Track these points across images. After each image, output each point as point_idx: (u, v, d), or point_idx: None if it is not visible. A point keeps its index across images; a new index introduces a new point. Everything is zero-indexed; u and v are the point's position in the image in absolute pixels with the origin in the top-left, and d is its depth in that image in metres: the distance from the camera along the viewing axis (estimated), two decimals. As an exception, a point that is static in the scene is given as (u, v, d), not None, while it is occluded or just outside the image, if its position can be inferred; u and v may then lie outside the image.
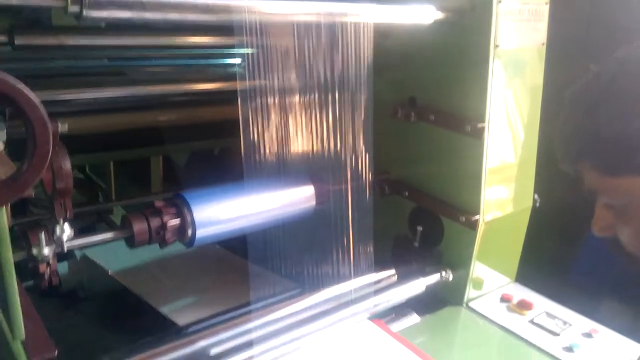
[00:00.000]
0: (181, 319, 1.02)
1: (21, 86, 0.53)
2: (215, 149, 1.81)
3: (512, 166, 1.14)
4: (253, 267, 0.99)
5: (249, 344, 0.92)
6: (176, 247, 1.34)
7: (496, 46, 1.01)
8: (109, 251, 1.27)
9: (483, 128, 1.03)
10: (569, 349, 1.03)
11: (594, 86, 0.58)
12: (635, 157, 0.54)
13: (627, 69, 0.56)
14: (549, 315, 1.13)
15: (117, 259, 1.22)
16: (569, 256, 1.48)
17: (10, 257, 0.61)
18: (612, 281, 1.38)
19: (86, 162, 1.18)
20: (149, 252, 1.27)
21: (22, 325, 0.65)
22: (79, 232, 0.83)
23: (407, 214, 1.22)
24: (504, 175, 1.13)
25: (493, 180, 1.10)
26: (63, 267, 1.21)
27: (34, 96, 0.54)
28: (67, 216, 0.82)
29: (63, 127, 0.81)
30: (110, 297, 1.22)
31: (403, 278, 1.13)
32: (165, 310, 1.05)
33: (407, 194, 1.21)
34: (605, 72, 0.57)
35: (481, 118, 1.04)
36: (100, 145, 1.17)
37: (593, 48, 1.59)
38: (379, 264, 1.13)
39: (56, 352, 0.68)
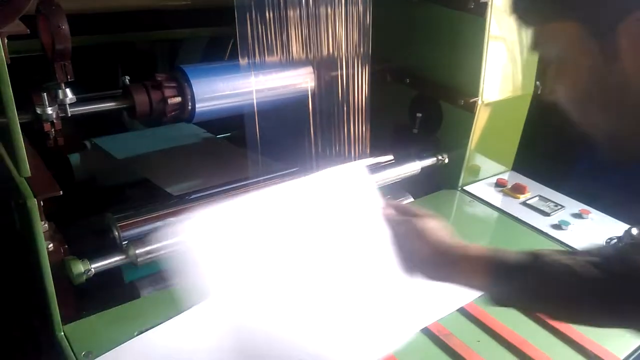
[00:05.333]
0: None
1: None
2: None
3: (514, 50, 1.12)
4: (252, 155, 1.02)
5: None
6: (180, 140, 1.39)
7: None
8: (117, 143, 1.33)
9: (486, 3, 1.01)
10: (558, 227, 1.06)
11: None
12: None
13: None
14: (542, 198, 1.15)
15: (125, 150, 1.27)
16: (570, 147, 1.47)
17: (9, 91, 0.63)
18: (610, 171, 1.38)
19: (91, 42, 1.18)
20: (154, 144, 1.33)
21: (27, 162, 0.68)
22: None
23: (408, 102, 1.23)
24: (505, 58, 1.12)
25: (494, 63, 1.09)
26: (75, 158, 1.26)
27: None
28: (69, 79, 0.85)
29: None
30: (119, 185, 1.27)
31: (400, 161, 1.15)
32: (173, 190, 1.09)
33: (408, 81, 1.20)
34: None
35: (484, -5, 1.01)
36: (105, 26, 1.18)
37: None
38: (378, 150, 1.15)
39: (61, 192, 0.72)
